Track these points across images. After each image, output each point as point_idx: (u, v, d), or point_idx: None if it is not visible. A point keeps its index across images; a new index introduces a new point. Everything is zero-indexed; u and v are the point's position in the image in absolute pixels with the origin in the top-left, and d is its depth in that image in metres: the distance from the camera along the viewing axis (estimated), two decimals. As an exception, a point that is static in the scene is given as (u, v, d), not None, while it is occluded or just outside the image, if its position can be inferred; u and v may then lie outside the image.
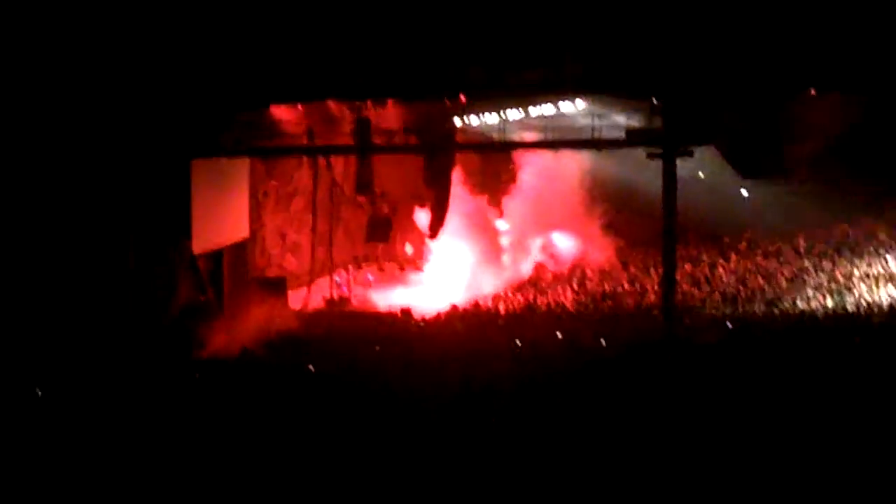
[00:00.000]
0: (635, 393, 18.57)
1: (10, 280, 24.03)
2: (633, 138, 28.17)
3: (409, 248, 36.23)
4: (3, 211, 24.15)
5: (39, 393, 20.26)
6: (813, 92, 27.38)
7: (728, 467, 13.96)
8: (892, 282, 29.71)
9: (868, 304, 28.51)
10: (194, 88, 25.55)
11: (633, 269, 33.39)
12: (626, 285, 32.28)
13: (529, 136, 32.62)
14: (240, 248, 30.01)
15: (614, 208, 35.18)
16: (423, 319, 29.64)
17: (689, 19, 25.29)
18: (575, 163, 33.78)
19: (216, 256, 28.89)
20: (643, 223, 31.60)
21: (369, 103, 29.11)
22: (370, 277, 34.98)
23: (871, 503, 12.67)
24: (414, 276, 35.13)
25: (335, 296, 32.94)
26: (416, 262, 35.52)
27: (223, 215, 28.63)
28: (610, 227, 35.22)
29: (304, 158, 32.17)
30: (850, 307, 28.58)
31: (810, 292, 29.95)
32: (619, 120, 29.59)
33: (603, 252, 34.81)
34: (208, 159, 27.33)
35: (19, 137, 24.20)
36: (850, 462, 13.57)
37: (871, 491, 12.91)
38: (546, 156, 33.57)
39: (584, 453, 14.75)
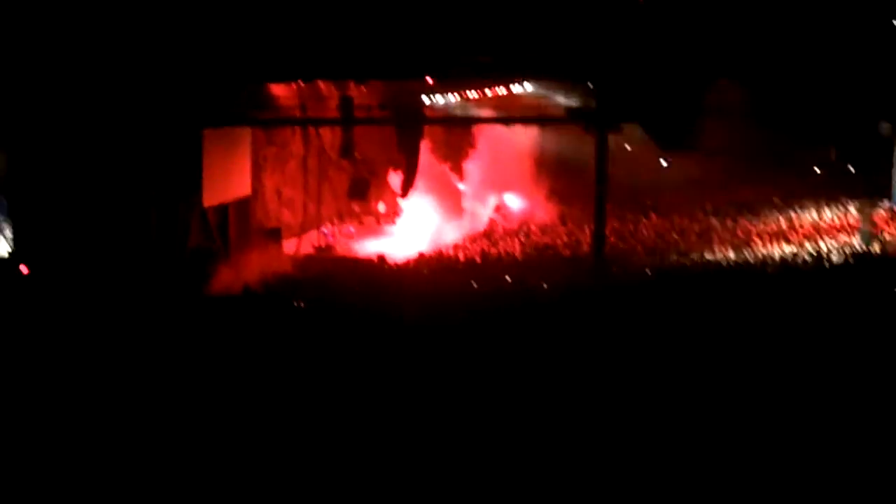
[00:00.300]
0: (571, 324, 18.68)
1: (55, 230, 24.33)
2: (571, 115, 28.41)
3: (382, 207, 36.03)
4: (51, 173, 24.40)
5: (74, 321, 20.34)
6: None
7: (640, 387, 14.00)
8: (783, 238, 29.96)
9: (763, 256, 28.62)
10: (206, 71, 25.42)
11: (570, 225, 33.45)
12: (564, 238, 32.35)
13: (486, 113, 33.10)
14: (243, 203, 29.90)
15: (556, 175, 35.23)
16: (395, 264, 29.58)
17: (620, 16, 25.37)
18: (525, 136, 33.70)
19: (223, 210, 28.86)
20: (580, 187, 31.43)
21: (352, 83, 29.57)
22: (351, 229, 34.82)
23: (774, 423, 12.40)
24: (388, 229, 34.99)
25: (322, 244, 32.83)
26: (389, 217, 35.30)
27: (229, 175, 28.57)
28: (553, 191, 35.39)
29: (298, 129, 32.00)
30: (749, 259, 28.63)
31: (716, 246, 30.08)
32: (561, 100, 29.89)
33: (546, 211, 35.00)
34: (217, 129, 27.27)
35: (68, 115, 24.36)
36: (748, 388, 13.54)
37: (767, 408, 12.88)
38: (500, 130, 33.33)
39: (523, 373, 14.84)
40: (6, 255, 24.93)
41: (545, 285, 24.97)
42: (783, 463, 10.96)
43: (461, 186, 36.40)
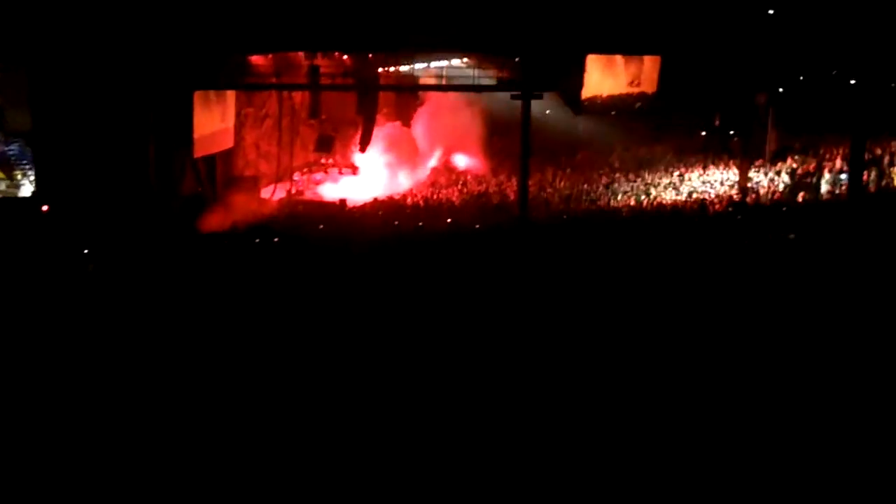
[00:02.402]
0: (498, 255, 19.53)
1: (70, 176, 24.69)
2: (501, 85, 29.15)
3: (344, 159, 35.59)
4: (68, 128, 24.66)
5: (87, 251, 21.04)
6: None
7: (545, 310, 14.29)
8: (673, 188, 30.83)
9: (658, 203, 29.48)
10: (197, 42, 25.36)
11: (501, 177, 33.66)
12: (494, 188, 32.77)
13: (431, 81, 33.53)
14: (227, 154, 30.08)
15: (493, 134, 35.16)
16: (354, 207, 30.13)
17: (540, 6, 25.76)
18: (465, 101, 34.10)
19: (210, 160, 29.05)
20: (511, 145, 31.74)
21: (319, 54, 29.75)
22: (318, 178, 34.71)
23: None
24: (349, 178, 34.61)
25: (294, 190, 32.99)
26: (350, 168, 34.86)
27: (215, 130, 28.61)
28: (488, 147, 35.42)
29: (273, 92, 32.05)
30: (646, 204, 29.54)
31: (619, 195, 30.76)
32: (492, 73, 30.20)
33: (482, 164, 35.19)
34: (206, 91, 27.44)
35: (83, 79, 24.61)
36: (636, 317, 13.52)
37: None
38: (446, 95, 33.71)
39: (457, 294, 15.25)
40: (29, 196, 25.20)
41: (476, 226, 25.81)
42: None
43: (410, 142, 36.13)
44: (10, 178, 25.21)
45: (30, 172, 25.24)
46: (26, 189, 25.33)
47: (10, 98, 25.04)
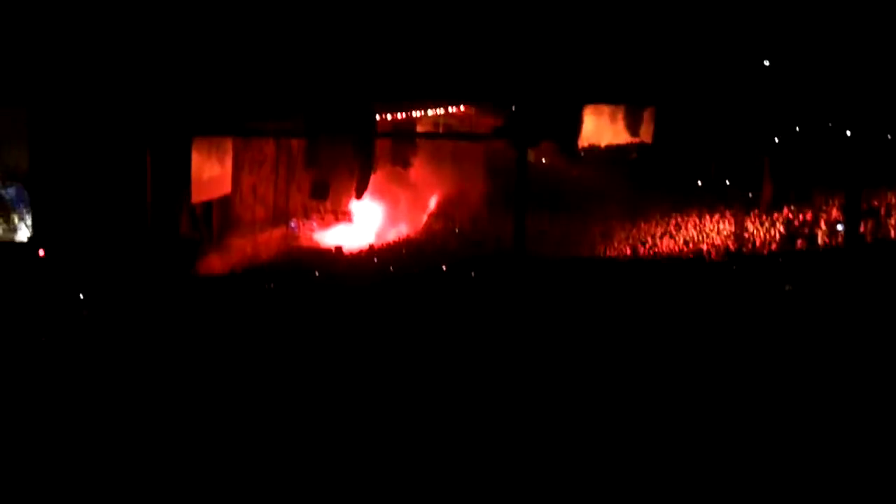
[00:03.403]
0: (494, 302, 19.24)
1: (68, 219, 24.72)
2: (496, 133, 29.41)
3: (340, 205, 35.76)
4: (66, 171, 24.77)
5: (83, 296, 21.03)
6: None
7: (535, 351, 14.08)
8: (669, 237, 30.56)
9: (653, 251, 29.47)
10: (195, 87, 25.58)
11: (497, 224, 33.09)
12: (490, 234, 32.62)
13: (428, 128, 33.77)
14: (225, 200, 30.18)
15: (487, 180, 35.22)
16: (350, 253, 30.33)
17: (536, 58, 26.07)
18: (461, 148, 34.54)
19: (207, 204, 29.14)
20: (509, 191, 31.43)
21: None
22: (314, 224, 34.75)
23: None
24: (345, 224, 34.82)
25: (290, 236, 33.20)
26: (346, 215, 35.11)
27: (213, 175, 28.78)
28: (483, 194, 35.41)
29: (271, 138, 32.34)
30: (641, 253, 29.42)
31: (615, 243, 30.99)
32: (489, 122, 30.72)
33: (477, 211, 35.22)
34: (204, 137, 27.61)
35: (81, 122, 24.77)
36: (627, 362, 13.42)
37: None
38: (442, 141, 34.26)
39: (451, 343, 14.87)
40: (26, 240, 25.29)
41: (473, 273, 25.49)
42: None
43: (406, 188, 36.49)
44: (7, 221, 25.39)
45: (27, 216, 25.40)
46: (23, 233, 25.47)
47: (7, 142, 25.27)
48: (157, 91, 25.24)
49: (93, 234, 24.40)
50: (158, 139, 25.93)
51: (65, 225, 24.64)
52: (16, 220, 25.41)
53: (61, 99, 24.62)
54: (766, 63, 26.92)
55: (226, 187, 29.93)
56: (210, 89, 25.92)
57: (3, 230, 25.37)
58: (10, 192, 25.39)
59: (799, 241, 28.00)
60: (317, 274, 26.22)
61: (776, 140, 30.06)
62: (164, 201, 26.27)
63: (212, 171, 28.59)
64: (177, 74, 25.30)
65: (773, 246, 28.41)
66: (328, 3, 25.50)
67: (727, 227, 30.68)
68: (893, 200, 28.54)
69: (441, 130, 33.18)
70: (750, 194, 30.87)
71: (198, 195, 27.57)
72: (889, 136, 28.68)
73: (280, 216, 33.58)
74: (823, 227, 28.16)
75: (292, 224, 33.98)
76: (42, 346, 15.77)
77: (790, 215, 29.86)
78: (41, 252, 24.51)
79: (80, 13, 24.19)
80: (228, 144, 29.73)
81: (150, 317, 18.88)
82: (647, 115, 29.49)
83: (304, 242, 33.01)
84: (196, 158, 27.05)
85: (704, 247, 29.12)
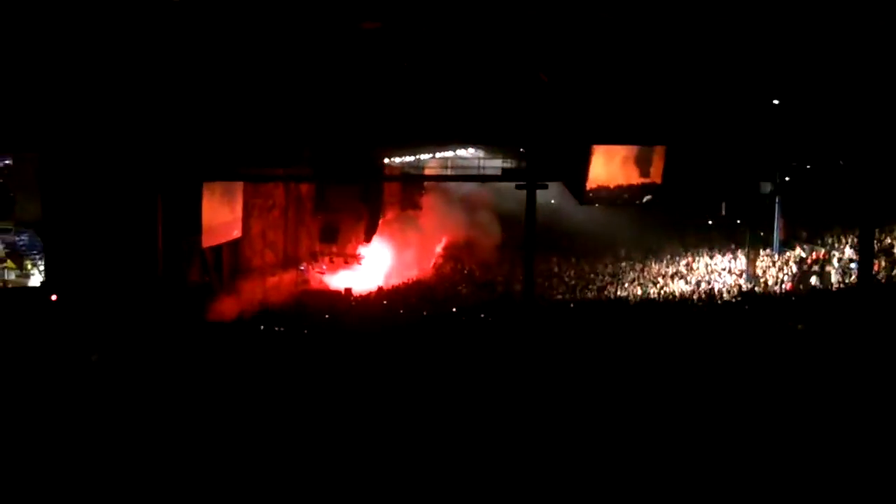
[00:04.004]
0: (504, 344, 19.51)
1: (80, 265, 24.86)
2: (505, 175, 29.50)
3: (349, 248, 35.86)
4: (78, 219, 24.96)
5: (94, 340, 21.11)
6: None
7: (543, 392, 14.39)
8: (682, 278, 30.90)
9: (664, 293, 29.62)
10: (210, 141, 26.06)
11: (506, 265, 33.94)
12: (500, 276, 33.08)
13: (436, 171, 33.95)
14: (235, 244, 30.42)
15: (495, 222, 35.61)
16: (359, 296, 30.43)
17: (544, 99, 26.29)
18: (470, 190, 34.69)
19: (218, 249, 29.38)
20: (517, 233, 31.84)
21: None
22: (323, 267, 34.79)
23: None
24: (354, 268, 34.82)
25: (300, 279, 33.29)
26: (355, 258, 35.14)
27: (223, 220, 29.03)
28: (491, 235, 35.75)
29: (280, 182, 32.62)
30: (653, 294, 29.69)
31: (626, 284, 31.07)
32: (497, 163, 30.74)
33: (486, 252, 35.42)
34: (214, 182, 27.90)
35: (92, 173, 25.01)
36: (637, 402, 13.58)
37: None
38: (449, 184, 34.44)
39: (460, 386, 14.99)
40: (39, 285, 25.54)
41: (482, 315, 25.79)
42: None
43: (415, 232, 36.51)
44: (21, 267, 25.70)
45: (39, 262, 25.68)
46: (36, 278, 25.74)
47: (21, 189, 25.60)
48: (168, 138, 25.56)
49: (104, 279, 24.56)
50: (169, 185, 26.16)
51: (77, 270, 24.79)
52: (29, 266, 25.70)
53: (73, 147, 24.93)
54: (776, 102, 27.01)
55: (236, 232, 30.15)
56: (220, 136, 26.23)
57: (17, 275, 25.62)
58: (24, 239, 25.71)
59: (811, 280, 28.00)
60: (326, 317, 26.36)
61: (787, 179, 30.19)
62: (174, 246, 26.41)
63: (222, 216, 28.84)
64: (187, 121, 25.61)
65: (787, 285, 28.40)
66: (338, 50, 25.74)
67: (739, 266, 30.83)
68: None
69: (450, 172, 33.26)
70: (761, 233, 30.87)
71: (208, 240, 27.78)
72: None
73: (290, 260, 33.75)
74: (836, 264, 28.15)
75: (302, 267, 34.10)
76: (53, 389, 15.95)
77: (802, 254, 29.92)
78: (53, 297, 24.70)
79: (91, 62, 24.51)
80: (238, 190, 29.97)
81: (160, 362, 18.90)
82: (657, 155, 29.52)
83: (313, 285, 33.11)
84: (206, 204, 27.32)
85: (716, 286, 29.21)
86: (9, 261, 26.21)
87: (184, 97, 25.41)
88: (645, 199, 29.75)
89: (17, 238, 25.74)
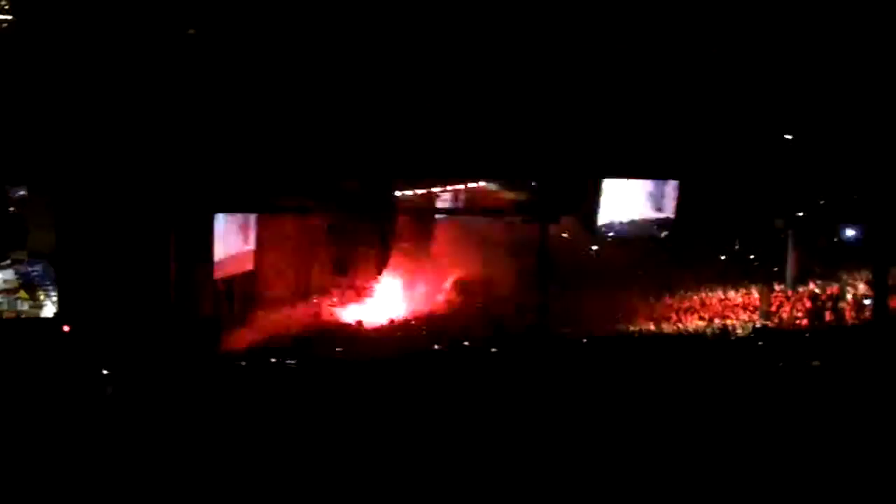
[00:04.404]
0: (517, 379, 19.24)
1: (93, 296, 25.04)
2: (518, 209, 29.61)
3: (361, 281, 35.56)
4: (91, 249, 25.17)
5: (106, 371, 21.21)
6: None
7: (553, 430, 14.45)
8: (696, 314, 30.64)
9: (679, 328, 29.59)
10: (222, 173, 26.31)
11: (519, 299, 32.76)
12: (511, 309, 32.44)
13: (447, 204, 34.08)
14: (247, 276, 30.51)
15: (508, 255, 34.48)
16: (372, 329, 30.71)
17: (556, 133, 26.44)
18: (482, 223, 34.56)
19: (230, 281, 29.58)
20: (530, 267, 31.71)
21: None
22: (335, 300, 34.56)
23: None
24: (365, 300, 34.67)
25: (312, 312, 33.12)
26: (367, 291, 34.93)
27: (235, 252, 29.27)
28: (504, 268, 34.93)
29: (292, 214, 32.44)
30: (667, 330, 29.68)
31: (639, 320, 31.00)
32: (509, 196, 31.00)
33: (498, 285, 34.56)
34: (226, 214, 28.28)
35: (104, 203, 25.23)
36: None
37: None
38: (462, 217, 34.34)
39: (474, 421, 15.23)
40: (51, 316, 25.66)
41: (493, 349, 25.82)
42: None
43: (427, 264, 35.96)
44: (33, 298, 25.77)
45: (52, 293, 25.78)
46: (48, 309, 25.84)
47: (34, 220, 25.77)
48: (180, 169, 25.74)
49: (117, 310, 24.70)
50: (181, 216, 26.39)
51: (89, 302, 24.92)
52: (41, 297, 25.78)
53: (85, 179, 25.14)
54: (788, 137, 27.05)
55: (248, 264, 30.29)
56: (232, 168, 26.40)
57: (30, 306, 25.72)
58: (37, 269, 25.81)
59: (826, 316, 27.90)
60: (338, 350, 26.39)
61: (800, 213, 30.18)
62: (186, 278, 26.59)
63: (235, 248, 29.05)
64: (199, 153, 25.80)
65: (803, 322, 28.32)
66: (348, 85, 25.92)
67: (753, 302, 30.59)
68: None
69: (462, 206, 33.31)
70: (775, 268, 30.79)
71: (220, 272, 28.00)
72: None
73: (302, 292, 33.62)
74: (851, 301, 28.07)
75: (314, 300, 33.94)
76: (66, 421, 16.01)
77: (816, 290, 29.83)
78: (66, 328, 24.80)
79: (101, 93, 24.83)
80: (251, 221, 30.10)
81: (173, 395, 19.01)
82: (670, 190, 29.59)
83: (325, 318, 33.04)
84: (219, 235, 27.69)
85: (730, 322, 29.11)
86: (21, 291, 26.30)
87: (197, 129, 25.61)
88: (663, 235, 29.80)
89: (30, 269, 25.84)
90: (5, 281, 26.12)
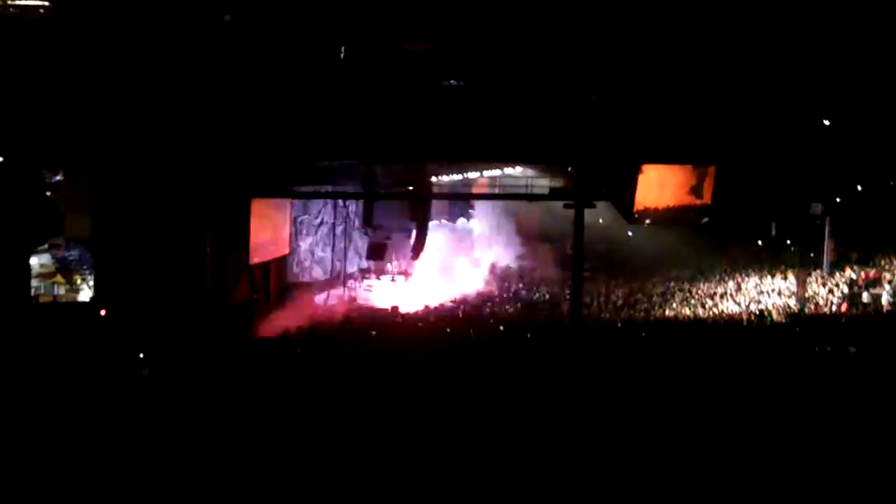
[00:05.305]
0: (552, 365, 19.37)
1: (128, 281, 25.27)
2: (553, 194, 29.53)
3: (397, 265, 36.31)
4: (127, 235, 25.38)
5: (143, 355, 21.41)
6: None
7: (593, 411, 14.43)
8: (731, 299, 30.50)
9: (713, 313, 29.21)
10: (254, 150, 26.19)
11: (553, 285, 33.75)
12: (546, 294, 33.07)
13: (484, 189, 34.07)
14: (282, 261, 30.79)
15: (543, 240, 35.78)
16: (407, 314, 30.48)
17: (593, 118, 26.42)
18: (518, 208, 34.68)
19: (265, 266, 29.58)
20: (562, 252, 32.11)
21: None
22: (371, 285, 35.12)
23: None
24: (401, 284, 35.18)
25: (347, 296, 33.48)
26: (402, 275, 35.47)
27: (271, 237, 29.32)
28: (539, 254, 36.00)
29: (327, 200, 32.84)
30: (702, 314, 29.25)
31: (675, 304, 30.76)
32: (546, 181, 30.86)
33: (533, 271, 35.62)
34: (263, 199, 28.22)
35: (140, 191, 25.43)
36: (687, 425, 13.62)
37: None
38: (497, 203, 34.41)
39: (508, 409, 15.28)
40: (89, 300, 25.87)
41: (529, 335, 25.66)
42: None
43: (462, 249, 36.94)
44: (70, 282, 26.03)
45: (89, 277, 26.01)
46: (85, 293, 26.07)
47: (71, 205, 25.99)
48: (216, 155, 25.89)
49: (153, 294, 24.90)
50: (217, 202, 26.48)
51: (126, 286, 25.13)
52: (78, 282, 26.03)
53: (122, 164, 25.32)
54: (826, 122, 26.79)
55: (283, 249, 30.47)
56: (268, 154, 26.53)
57: (66, 290, 25.98)
58: (74, 254, 26.07)
59: (862, 302, 27.64)
60: (373, 334, 26.43)
61: (838, 199, 29.89)
62: (221, 263, 26.72)
63: (270, 234, 29.13)
64: (235, 140, 25.90)
65: (842, 307, 28.02)
66: (387, 71, 25.94)
67: (789, 287, 30.40)
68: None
69: (498, 190, 33.33)
70: (812, 254, 30.51)
71: (256, 257, 28.06)
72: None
73: (337, 277, 33.93)
74: (888, 286, 27.75)
75: (349, 284, 34.32)
76: (104, 403, 16.20)
77: (853, 275, 29.55)
78: (103, 312, 25.01)
79: (142, 82, 24.95)
80: (287, 206, 30.31)
81: (207, 378, 19.17)
82: (707, 176, 29.36)
83: (361, 303, 33.22)
84: (254, 221, 27.55)
85: (766, 308, 28.83)
86: (59, 275, 26.54)
87: (233, 115, 25.73)
88: (702, 221, 29.64)
89: (67, 253, 26.11)
90: (42, 265, 26.31)
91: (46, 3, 24.29)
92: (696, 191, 29.60)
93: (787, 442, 12.48)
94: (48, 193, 26.36)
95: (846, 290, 28.84)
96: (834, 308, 28.03)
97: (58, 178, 26.58)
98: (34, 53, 23.99)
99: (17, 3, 24.42)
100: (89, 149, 25.03)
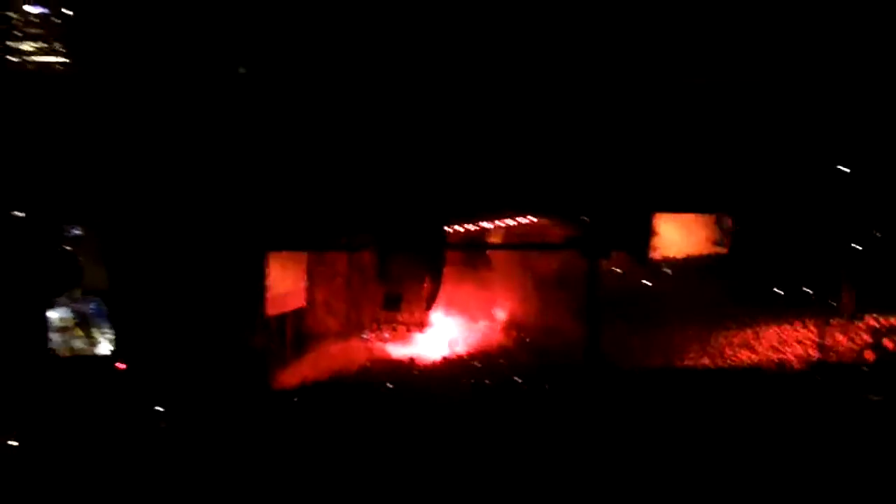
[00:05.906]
0: (570, 415, 19.92)
1: (146, 334, 25.43)
2: (567, 243, 29.65)
3: (412, 316, 35.31)
4: (143, 287, 25.64)
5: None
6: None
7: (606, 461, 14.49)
8: (749, 348, 30.24)
9: (733, 361, 29.30)
10: (274, 212, 26.76)
11: (570, 334, 32.48)
12: (562, 344, 32.06)
13: (498, 239, 34.13)
14: (298, 313, 30.83)
15: (559, 289, 34.81)
16: (423, 365, 30.69)
17: (606, 168, 26.65)
18: (533, 256, 34.67)
19: (282, 318, 29.74)
20: (578, 300, 31.67)
21: None
22: (386, 336, 34.49)
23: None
24: (416, 336, 34.61)
25: (363, 348, 33.06)
26: (419, 326, 34.89)
27: (287, 289, 29.45)
28: (555, 303, 35.12)
29: (343, 252, 32.72)
30: (720, 363, 29.29)
31: (694, 354, 30.43)
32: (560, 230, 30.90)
33: (549, 320, 34.56)
34: (279, 252, 28.35)
35: (157, 242, 25.72)
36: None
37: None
38: (512, 252, 34.48)
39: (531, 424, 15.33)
40: (107, 353, 25.93)
41: (546, 385, 25.85)
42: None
43: (478, 300, 36.06)
44: (88, 335, 26.01)
45: (106, 331, 26.05)
46: (104, 347, 26.07)
47: (89, 256, 26.15)
48: (233, 208, 26.18)
49: (170, 347, 25.00)
50: (234, 254, 26.63)
51: (143, 339, 25.23)
52: (96, 335, 26.09)
53: (134, 217, 25.59)
54: (844, 169, 26.86)
55: (300, 301, 30.52)
56: (285, 206, 26.82)
57: (84, 343, 26.04)
58: (91, 307, 26.17)
59: (885, 349, 27.52)
60: (390, 386, 26.43)
61: (857, 247, 29.87)
62: (238, 315, 26.80)
63: (287, 286, 29.19)
64: (251, 193, 26.26)
65: (867, 355, 27.92)
66: (401, 127, 26.22)
67: (809, 335, 30.17)
68: None
69: (513, 240, 33.38)
70: (833, 303, 30.45)
71: (273, 309, 28.13)
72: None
73: (353, 328, 33.70)
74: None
75: (365, 336, 34.02)
76: (123, 456, 16.29)
77: (874, 323, 29.45)
78: (121, 366, 25.09)
79: (155, 133, 25.35)
80: (303, 259, 30.35)
81: (225, 430, 19.28)
82: (723, 224, 29.49)
83: (377, 354, 32.89)
84: (271, 272, 27.71)
85: (786, 356, 28.82)
86: (77, 329, 26.60)
87: (249, 169, 26.08)
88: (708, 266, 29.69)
89: (85, 306, 26.21)
90: (61, 319, 26.28)
91: (66, 60, 24.68)
92: (712, 239, 29.70)
93: (811, 488, 12.55)
94: (67, 247, 26.53)
95: (868, 338, 28.74)
96: (855, 356, 27.82)
97: (77, 231, 26.72)
98: (54, 108, 24.31)
99: (36, 59, 24.84)
100: (105, 203, 25.35)
